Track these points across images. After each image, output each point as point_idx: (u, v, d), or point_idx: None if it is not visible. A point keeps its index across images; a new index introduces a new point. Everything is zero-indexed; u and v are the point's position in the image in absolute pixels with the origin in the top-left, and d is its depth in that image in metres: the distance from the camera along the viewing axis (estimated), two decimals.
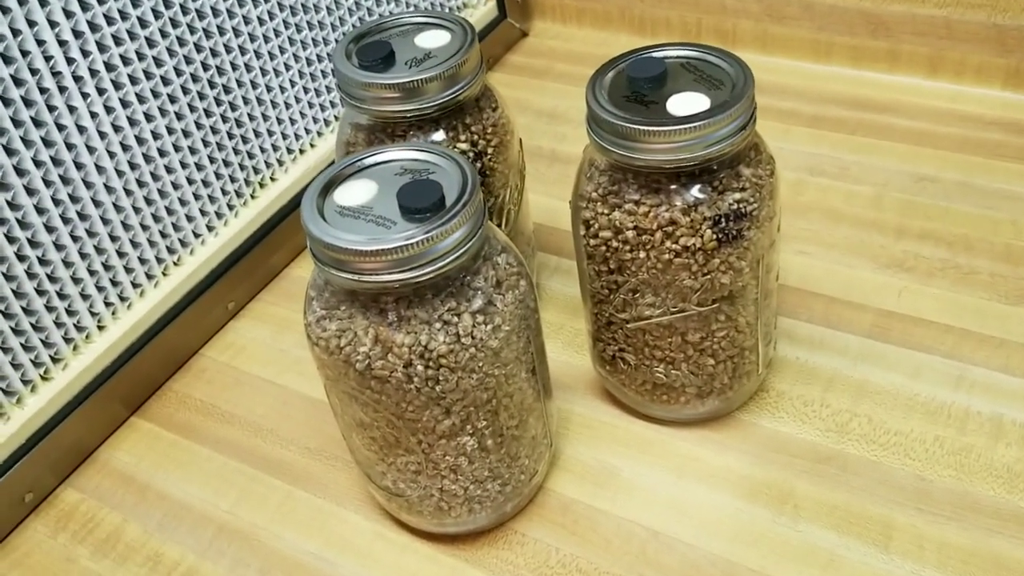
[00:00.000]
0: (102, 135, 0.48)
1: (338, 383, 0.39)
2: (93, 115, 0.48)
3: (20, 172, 0.45)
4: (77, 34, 0.46)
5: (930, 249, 0.55)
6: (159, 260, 0.53)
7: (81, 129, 0.47)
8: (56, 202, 0.47)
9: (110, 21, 0.47)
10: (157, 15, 0.49)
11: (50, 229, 0.47)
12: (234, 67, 0.55)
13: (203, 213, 0.55)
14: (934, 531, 0.42)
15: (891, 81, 0.68)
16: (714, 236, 0.40)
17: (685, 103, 0.39)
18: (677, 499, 0.45)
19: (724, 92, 0.40)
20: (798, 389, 0.49)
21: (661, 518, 0.44)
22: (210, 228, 0.56)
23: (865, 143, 0.63)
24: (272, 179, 0.60)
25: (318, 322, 0.38)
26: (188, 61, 0.52)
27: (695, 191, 0.40)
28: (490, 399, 0.39)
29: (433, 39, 0.46)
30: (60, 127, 0.46)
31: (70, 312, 0.49)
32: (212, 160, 0.55)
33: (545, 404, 0.43)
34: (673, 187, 0.40)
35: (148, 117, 0.50)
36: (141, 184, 0.51)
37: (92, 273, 0.50)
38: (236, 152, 0.56)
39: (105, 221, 0.50)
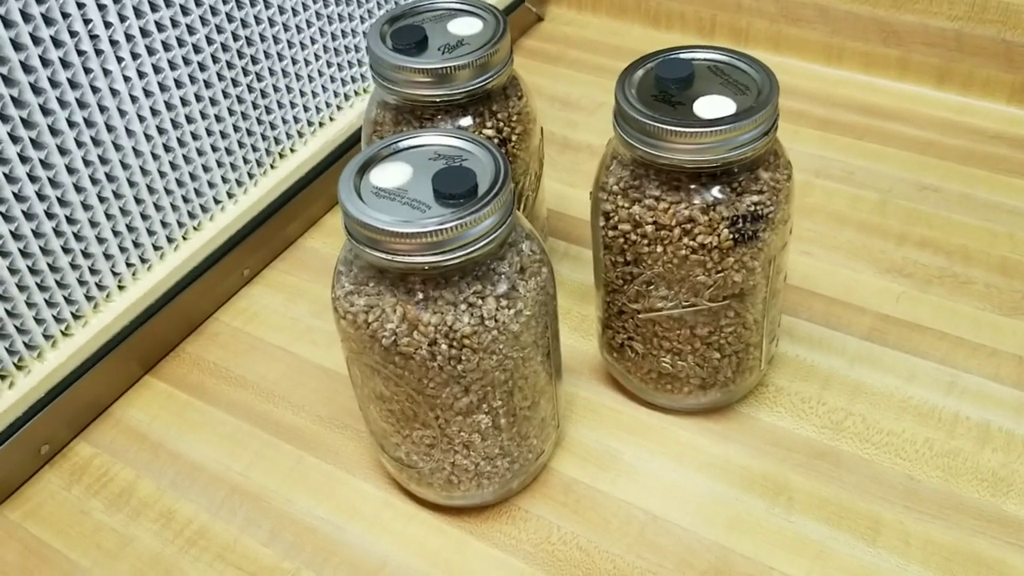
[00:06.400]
0: (133, 99, 0.49)
1: (362, 356, 0.40)
2: (126, 79, 0.48)
3: (54, 132, 0.46)
4: None
5: (929, 257, 0.57)
6: (180, 224, 0.54)
7: (114, 92, 0.48)
8: (87, 163, 0.48)
9: None
10: None
11: (79, 189, 0.48)
12: (262, 39, 0.56)
13: (224, 180, 0.56)
14: (920, 528, 0.44)
15: (900, 89, 0.69)
16: (730, 236, 0.42)
17: (711, 106, 0.41)
18: (676, 485, 0.47)
19: (749, 98, 0.41)
20: (796, 386, 0.50)
21: (660, 502, 0.46)
22: (230, 195, 0.57)
23: (872, 149, 0.65)
24: (292, 150, 0.61)
25: (346, 296, 0.39)
26: (219, 31, 0.53)
27: (715, 191, 0.41)
28: (507, 380, 0.40)
29: (466, 26, 0.47)
30: (95, 89, 0.47)
31: (93, 271, 0.50)
32: (236, 129, 0.56)
33: (555, 387, 0.45)
34: (693, 186, 0.41)
35: (178, 84, 0.51)
36: (167, 149, 0.52)
37: (116, 234, 0.51)
38: (259, 122, 0.57)
39: (131, 184, 0.51)
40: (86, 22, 0.46)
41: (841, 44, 0.71)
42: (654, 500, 0.46)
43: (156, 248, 0.53)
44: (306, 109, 0.60)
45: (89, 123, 0.47)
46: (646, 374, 0.48)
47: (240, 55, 0.54)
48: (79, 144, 0.47)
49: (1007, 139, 0.64)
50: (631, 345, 0.47)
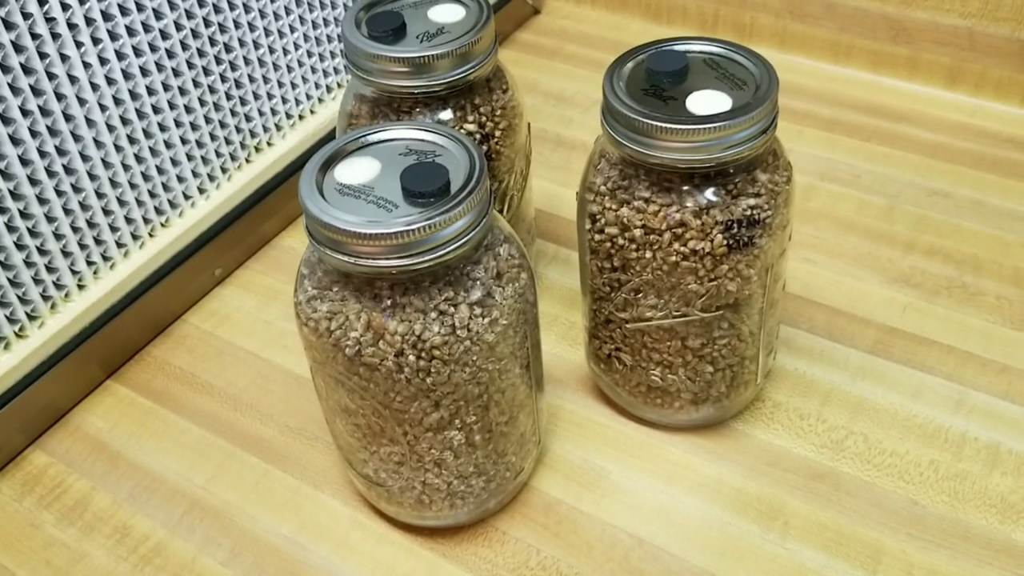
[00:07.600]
0: (94, 87, 0.46)
1: (325, 366, 0.37)
2: (86, 65, 0.46)
3: (6, 120, 0.43)
4: None
5: (938, 266, 0.54)
6: (146, 220, 0.52)
7: (73, 79, 0.45)
8: (42, 154, 0.45)
9: None
10: None
11: (34, 182, 0.45)
12: (236, 25, 0.53)
13: (195, 175, 0.53)
14: (924, 558, 0.41)
15: (910, 90, 0.66)
16: (724, 241, 0.39)
17: (705, 101, 0.38)
18: (665, 507, 0.44)
19: (747, 93, 0.38)
20: (795, 401, 0.47)
21: (647, 526, 0.43)
22: (201, 191, 0.54)
23: (879, 152, 0.62)
24: (268, 144, 0.58)
25: (308, 302, 0.36)
26: (189, 16, 0.50)
27: (708, 193, 0.38)
28: (481, 394, 0.38)
29: (447, 13, 0.44)
30: (51, 76, 0.44)
31: (50, 269, 0.47)
32: (208, 120, 0.53)
33: (536, 400, 0.42)
34: (686, 188, 0.39)
35: (144, 71, 0.48)
36: (132, 141, 0.49)
37: (75, 230, 0.48)
38: (233, 114, 0.54)
39: (92, 177, 0.48)
40: (41, 3, 0.43)
41: (849, 42, 0.68)
42: (641, 523, 0.43)
43: (120, 245, 0.51)
44: (284, 101, 0.58)
45: (45, 112, 0.44)
46: (635, 387, 0.45)
47: (212, 42, 0.52)
48: (34, 134, 0.44)
49: (1021, 143, 0.61)
50: (619, 356, 0.44)
